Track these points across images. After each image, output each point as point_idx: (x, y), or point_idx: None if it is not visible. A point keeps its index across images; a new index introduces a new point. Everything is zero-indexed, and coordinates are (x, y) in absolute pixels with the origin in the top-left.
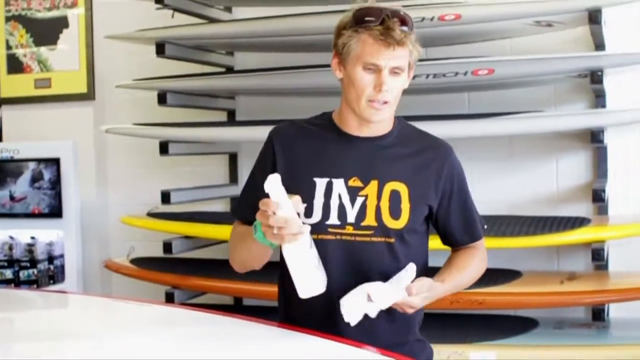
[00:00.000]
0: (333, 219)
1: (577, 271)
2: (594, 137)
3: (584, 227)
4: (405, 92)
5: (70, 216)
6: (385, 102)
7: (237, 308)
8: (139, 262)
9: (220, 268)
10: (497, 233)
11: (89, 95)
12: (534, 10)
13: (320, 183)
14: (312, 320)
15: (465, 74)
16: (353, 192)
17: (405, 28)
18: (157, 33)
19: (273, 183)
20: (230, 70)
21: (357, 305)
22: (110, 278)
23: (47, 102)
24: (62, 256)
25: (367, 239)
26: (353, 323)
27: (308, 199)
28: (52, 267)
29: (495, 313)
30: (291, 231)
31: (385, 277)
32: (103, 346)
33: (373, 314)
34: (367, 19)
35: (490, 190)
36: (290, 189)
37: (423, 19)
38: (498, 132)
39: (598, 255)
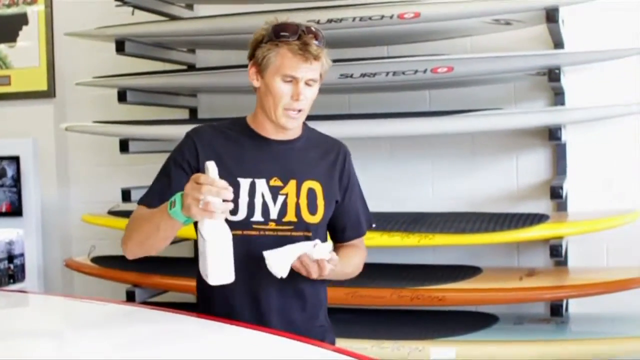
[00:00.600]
0: (257, 216)
1: (536, 267)
2: (552, 135)
3: (543, 224)
4: (366, 89)
5: (31, 215)
6: (300, 110)
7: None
8: (100, 260)
9: (182, 266)
10: (457, 230)
11: (49, 93)
12: (492, 9)
13: (244, 183)
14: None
15: (425, 71)
16: (274, 191)
17: (319, 43)
18: (117, 30)
19: (212, 165)
20: (191, 67)
21: (283, 258)
22: (72, 277)
23: (7, 100)
24: (22, 255)
25: (288, 233)
26: (283, 274)
27: (234, 198)
28: (12, 266)
29: (455, 309)
30: (218, 206)
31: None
32: (62, 346)
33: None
34: (284, 34)
35: (451, 188)
36: None
37: (382, 17)
38: (458, 129)
39: (556, 252)
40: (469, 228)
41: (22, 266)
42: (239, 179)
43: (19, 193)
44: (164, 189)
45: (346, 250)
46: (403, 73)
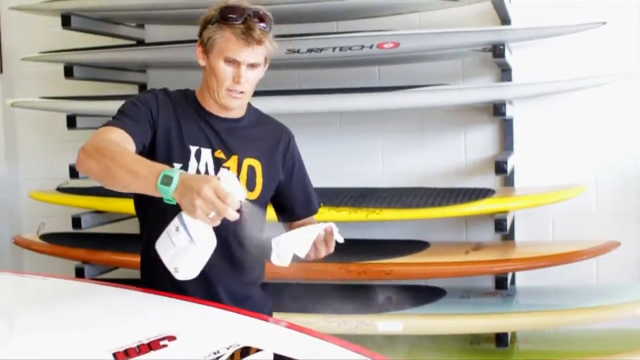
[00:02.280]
0: None
1: (484, 242)
2: (497, 110)
3: (488, 198)
4: (315, 65)
5: None
6: (242, 92)
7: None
8: (48, 237)
9: (131, 243)
10: (404, 204)
11: None
12: None
13: (192, 149)
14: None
15: (371, 47)
16: (218, 163)
17: (264, 27)
18: (63, 5)
19: (232, 176)
20: (140, 43)
21: (287, 247)
22: (22, 255)
23: None
24: None
25: None
26: (286, 263)
27: (184, 160)
28: None
29: (404, 283)
30: (224, 215)
31: (238, 238)
32: (12, 322)
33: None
34: (230, 16)
35: (401, 163)
36: (170, 147)
37: None
38: (407, 104)
39: (501, 226)
40: (417, 203)
41: None
42: (189, 145)
43: None
44: (134, 128)
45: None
46: (350, 48)
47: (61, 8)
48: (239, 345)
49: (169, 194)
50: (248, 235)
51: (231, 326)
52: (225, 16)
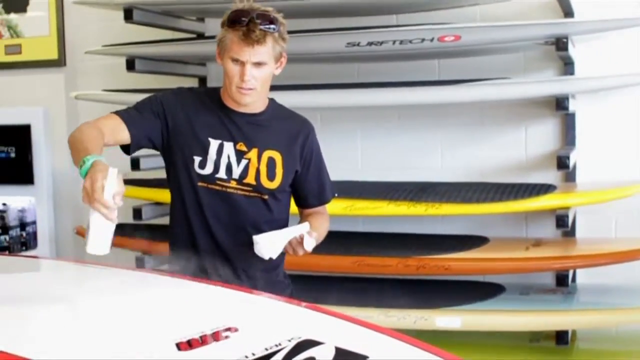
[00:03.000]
0: (221, 174)
1: (544, 238)
2: (560, 104)
3: (550, 194)
4: (374, 58)
5: (42, 183)
6: (251, 89)
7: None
8: None
9: None
10: (464, 199)
11: (59, 62)
12: None
13: (214, 143)
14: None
15: (432, 40)
16: (239, 155)
17: (267, 27)
18: None
19: (111, 173)
20: (200, 36)
21: (273, 242)
22: (83, 245)
23: (18, 69)
24: (34, 223)
25: (247, 193)
26: (273, 256)
27: (203, 154)
28: (24, 233)
29: (462, 279)
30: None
31: (256, 225)
32: (74, 310)
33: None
34: (234, 20)
35: (460, 157)
36: (189, 142)
37: None
38: (467, 98)
39: (562, 222)
40: (477, 198)
41: (34, 234)
42: (209, 138)
43: (30, 162)
44: (135, 118)
45: (314, 221)
46: (410, 42)
47: (124, 2)
48: (300, 337)
49: (82, 175)
50: (266, 222)
51: (292, 318)
52: (231, 20)
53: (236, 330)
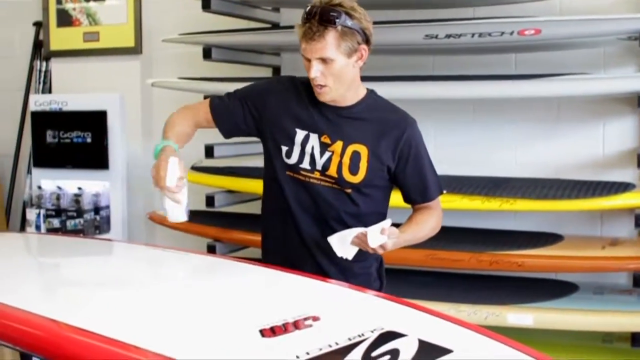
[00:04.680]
0: (305, 164)
1: (620, 237)
2: None
3: (628, 192)
4: (450, 51)
5: (117, 168)
6: (322, 85)
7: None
8: None
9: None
10: (539, 196)
11: (136, 49)
12: None
13: (300, 133)
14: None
15: (512, 33)
16: (324, 147)
17: (326, 23)
18: None
19: (172, 161)
20: (275, 26)
21: (342, 238)
22: (155, 230)
23: (96, 56)
24: (108, 207)
25: (329, 185)
26: (344, 255)
27: (289, 144)
28: (98, 217)
29: (534, 276)
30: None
31: (339, 218)
32: (145, 291)
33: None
34: (302, 17)
35: (536, 153)
36: (278, 131)
37: None
38: (544, 93)
39: None
40: (552, 194)
41: (108, 218)
42: (296, 129)
43: (105, 147)
44: (222, 107)
45: (419, 216)
46: (489, 35)
47: None
48: (382, 329)
49: (154, 157)
50: (350, 215)
51: (373, 309)
52: (302, 16)
53: (317, 319)
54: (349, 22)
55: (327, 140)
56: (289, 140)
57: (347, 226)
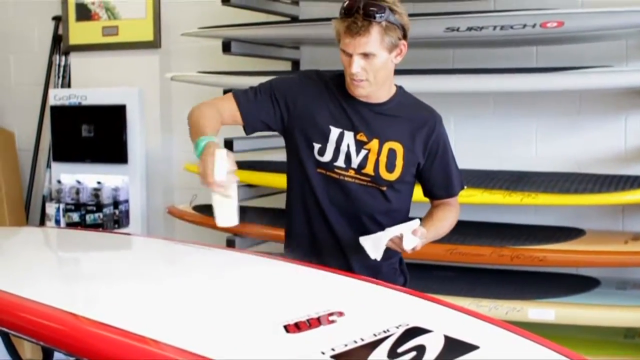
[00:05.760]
0: (340, 162)
1: None
2: None
3: None
4: (471, 44)
5: (136, 162)
6: (362, 80)
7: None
8: (201, 209)
9: (281, 217)
10: (560, 190)
11: (155, 44)
12: None
13: (335, 131)
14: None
15: (534, 26)
16: (359, 145)
17: (373, 17)
18: None
19: (220, 154)
20: (295, 19)
21: (375, 241)
22: (174, 225)
23: (114, 50)
24: (127, 201)
25: (364, 183)
26: (377, 257)
27: (323, 141)
28: (117, 211)
29: (556, 271)
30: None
31: (372, 215)
32: (165, 285)
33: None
34: (343, 11)
35: (557, 147)
36: (310, 128)
37: None
38: (566, 86)
39: None
40: (573, 188)
41: (127, 212)
42: (330, 126)
43: (124, 141)
44: (250, 102)
45: (440, 212)
46: (511, 27)
47: None
48: (408, 325)
49: (197, 155)
50: (382, 212)
51: (398, 305)
52: (341, 10)
53: (342, 314)
54: (392, 18)
55: (364, 138)
56: (323, 137)
57: (377, 222)
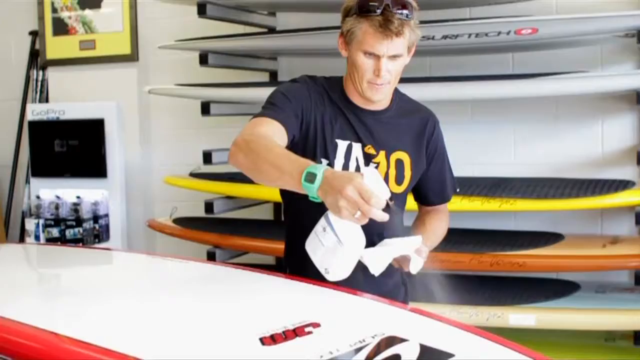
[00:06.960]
0: None
1: (621, 235)
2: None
3: (628, 190)
4: (447, 52)
5: (115, 176)
6: (384, 84)
7: (279, 268)
8: (181, 221)
9: (262, 228)
10: (539, 195)
11: (132, 57)
12: None
13: (342, 144)
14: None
15: (509, 33)
16: (368, 158)
17: (405, 15)
18: None
19: (375, 174)
20: (272, 30)
21: (379, 258)
22: (154, 238)
23: (92, 64)
24: (107, 215)
25: None
26: (377, 273)
27: (329, 156)
28: (97, 226)
29: (536, 276)
30: (369, 216)
31: (378, 229)
32: (145, 300)
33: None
34: (366, 8)
35: (534, 153)
36: (318, 142)
37: None
38: (543, 92)
39: None
40: (551, 194)
41: (107, 226)
42: (337, 140)
43: (103, 155)
44: (289, 119)
45: (434, 222)
46: (486, 35)
47: None
48: (384, 334)
49: (314, 192)
50: (386, 228)
51: (374, 315)
52: (363, 8)
53: (318, 325)
54: (415, 14)
55: (372, 151)
56: (330, 152)
57: (378, 233)
